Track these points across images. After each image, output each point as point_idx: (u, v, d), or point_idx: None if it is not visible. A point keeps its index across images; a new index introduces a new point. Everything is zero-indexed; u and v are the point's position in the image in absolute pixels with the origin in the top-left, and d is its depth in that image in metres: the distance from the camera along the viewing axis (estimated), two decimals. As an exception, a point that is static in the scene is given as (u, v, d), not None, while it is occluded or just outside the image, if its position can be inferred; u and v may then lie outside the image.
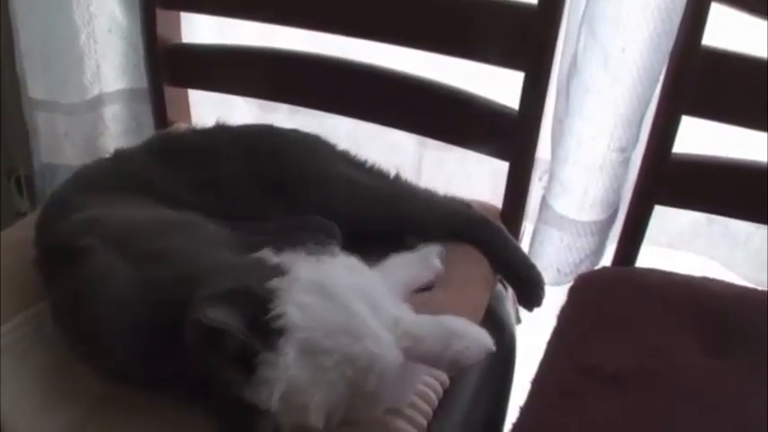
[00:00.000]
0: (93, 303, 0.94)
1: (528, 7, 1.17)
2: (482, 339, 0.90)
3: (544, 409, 1.02)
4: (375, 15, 1.30)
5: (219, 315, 0.78)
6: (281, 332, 0.80)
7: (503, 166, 1.29)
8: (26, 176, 1.88)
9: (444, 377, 1.03)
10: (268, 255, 0.91)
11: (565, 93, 1.23)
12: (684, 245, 1.41)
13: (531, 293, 1.22)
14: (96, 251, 0.96)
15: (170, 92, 1.52)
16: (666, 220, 1.36)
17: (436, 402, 1.01)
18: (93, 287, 0.94)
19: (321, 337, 0.81)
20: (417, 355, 0.88)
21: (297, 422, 0.80)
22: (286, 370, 0.79)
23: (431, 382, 1.01)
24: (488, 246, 1.22)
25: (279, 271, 0.86)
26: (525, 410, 1.03)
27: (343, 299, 0.85)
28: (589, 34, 1.17)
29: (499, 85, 1.27)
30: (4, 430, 0.94)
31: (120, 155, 1.20)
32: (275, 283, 0.84)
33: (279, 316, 0.81)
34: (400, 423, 0.95)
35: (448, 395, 1.03)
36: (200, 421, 0.86)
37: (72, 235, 1.00)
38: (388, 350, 0.84)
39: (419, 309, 1.08)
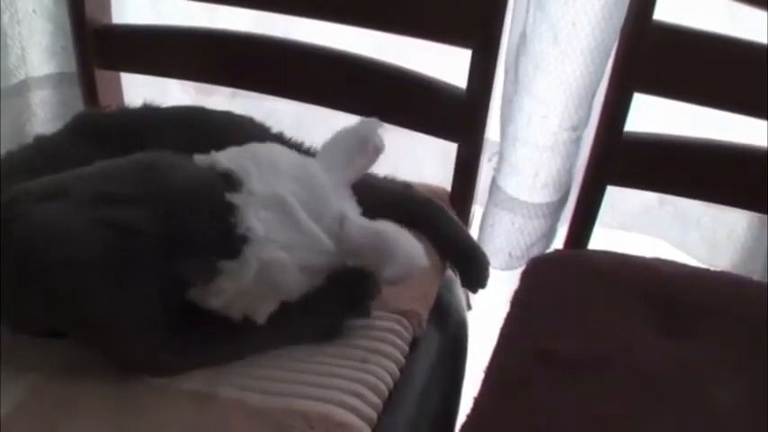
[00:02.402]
0: (60, 267, 0.87)
1: (474, -19, 1.13)
2: (416, 256, 0.96)
3: (499, 399, 0.99)
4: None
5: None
6: (243, 243, 0.88)
7: (451, 148, 1.25)
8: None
9: (395, 368, 0.99)
10: (218, 160, 0.96)
11: (513, 70, 1.19)
12: (635, 226, 1.39)
13: (475, 274, 1.19)
14: (35, 211, 0.89)
15: (101, 75, 1.45)
16: (617, 202, 1.34)
17: (387, 394, 0.97)
18: (56, 247, 0.87)
19: (279, 250, 0.90)
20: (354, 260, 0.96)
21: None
22: (248, 279, 0.88)
23: (381, 374, 0.97)
24: (431, 226, 1.19)
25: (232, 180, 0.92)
26: (479, 401, 0.99)
27: (296, 213, 0.92)
28: (538, 8, 1.14)
29: (445, 65, 1.24)
30: None
31: (42, 140, 1.14)
32: (235, 198, 0.90)
33: (245, 229, 0.89)
34: (349, 416, 0.91)
35: (399, 387, 1.00)
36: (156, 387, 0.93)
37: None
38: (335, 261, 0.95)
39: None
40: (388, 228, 0.94)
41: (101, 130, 1.13)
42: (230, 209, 0.89)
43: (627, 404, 0.96)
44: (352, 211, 0.99)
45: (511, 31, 1.19)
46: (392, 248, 0.93)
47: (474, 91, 1.18)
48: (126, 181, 0.93)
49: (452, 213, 1.23)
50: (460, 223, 1.23)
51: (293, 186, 0.94)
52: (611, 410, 0.96)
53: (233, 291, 0.90)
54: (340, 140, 1.04)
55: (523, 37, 1.16)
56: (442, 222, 1.20)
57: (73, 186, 0.92)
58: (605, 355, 1.02)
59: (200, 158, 0.97)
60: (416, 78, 1.24)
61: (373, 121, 1.05)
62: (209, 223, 0.89)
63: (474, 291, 1.22)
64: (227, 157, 0.96)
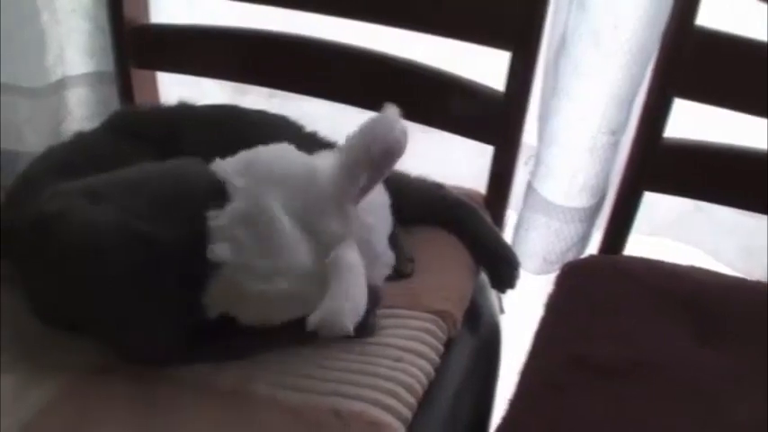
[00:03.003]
0: (95, 266, 0.90)
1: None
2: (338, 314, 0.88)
3: (533, 402, 0.98)
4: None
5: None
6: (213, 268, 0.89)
7: (486, 151, 1.25)
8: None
9: (430, 368, 0.99)
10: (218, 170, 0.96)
11: (553, 72, 1.18)
12: (670, 233, 1.38)
13: (505, 275, 1.18)
14: (76, 208, 0.92)
15: (137, 75, 1.46)
16: (652, 208, 1.32)
17: (421, 394, 0.96)
18: (90, 243, 0.90)
19: (243, 273, 0.89)
20: None
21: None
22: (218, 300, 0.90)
23: (416, 374, 0.97)
24: (462, 226, 1.19)
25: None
26: (514, 403, 0.99)
27: (270, 228, 0.89)
28: (579, 10, 1.13)
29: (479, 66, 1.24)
30: None
31: (81, 136, 1.16)
32: (212, 219, 0.90)
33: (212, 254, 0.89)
34: (385, 415, 0.91)
35: (433, 387, 0.99)
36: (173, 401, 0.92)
37: (41, 205, 0.95)
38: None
39: (400, 299, 1.05)
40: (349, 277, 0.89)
41: (137, 128, 1.15)
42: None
43: (660, 410, 0.96)
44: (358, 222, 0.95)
45: (550, 33, 1.18)
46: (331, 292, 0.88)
47: (512, 93, 1.18)
48: (147, 193, 0.95)
49: (485, 215, 1.22)
50: (492, 224, 1.22)
51: (287, 197, 0.92)
52: (644, 416, 0.95)
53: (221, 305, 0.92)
54: (354, 143, 0.93)
55: (563, 39, 1.15)
56: (472, 222, 1.20)
57: (107, 192, 0.95)
58: (639, 361, 1.02)
59: (215, 165, 0.98)
60: (454, 80, 1.24)
61: (388, 116, 0.93)
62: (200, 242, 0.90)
63: (503, 291, 1.21)
64: (230, 165, 0.96)
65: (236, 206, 0.90)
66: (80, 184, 0.97)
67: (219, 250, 0.89)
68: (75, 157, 1.10)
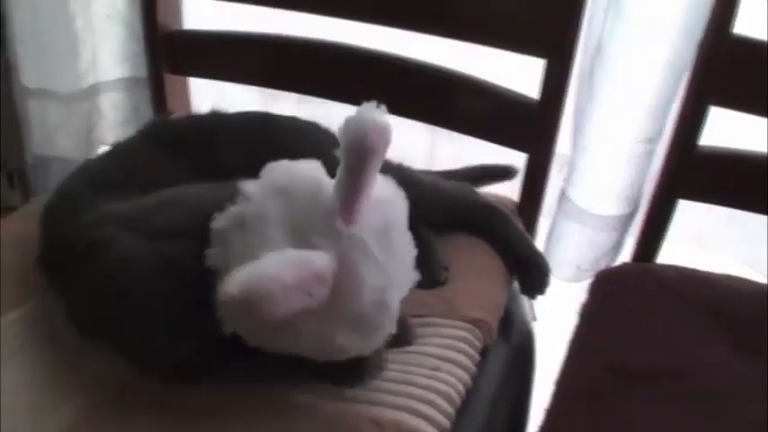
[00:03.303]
0: (127, 293, 0.91)
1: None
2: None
3: (571, 410, 0.98)
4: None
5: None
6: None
7: (519, 158, 1.25)
8: (18, 169, 1.82)
9: (466, 377, 0.99)
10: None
11: (588, 80, 1.18)
12: (704, 241, 1.37)
13: (535, 280, 1.18)
14: (118, 240, 0.93)
15: (170, 80, 1.47)
16: (685, 216, 1.32)
17: (459, 403, 0.96)
18: (125, 276, 0.91)
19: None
20: None
21: None
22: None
23: (453, 383, 0.97)
24: (493, 231, 1.19)
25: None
26: (551, 411, 0.99)
27: (259, 235, 0.84)
28: (615, 18, 1.12)
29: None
30: None
31: (119, 147, 1.16)
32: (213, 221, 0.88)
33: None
34: (423, 424, 0.91)
35: (469, 395, 0.99)
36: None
37: (87, 228, 0.96)
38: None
39: (435, 307, 1.05)
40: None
41: (172, 137, 1.15)
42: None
43: (697, 418, 0.95)
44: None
45: (585, 41, 1.18)
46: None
47: (547, 101, 1.17)
48: (180, 216, 0.95)
49: (517, 221, 1.23)
50: (523, 230, 1.22)
51: (289, 208, 0.86)
52: (683, 424, 0.95)
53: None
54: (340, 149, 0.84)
55: (599, 47, 1.15)
56: (504, 228, 1.20)
57: (144, 219, 0.96)
58: (676, 369, 1.02)
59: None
60: (488, 87, 1.24)
61: (359, 116, 0.83)
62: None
63: (533, 297, 1.21)
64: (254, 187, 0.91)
65: (234, 209, 0.88)
66: (120, 210, 0.98)
67: (213, 255, 0.87)
68: (113, 170, 1.11)
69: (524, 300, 1.24)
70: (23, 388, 0.95)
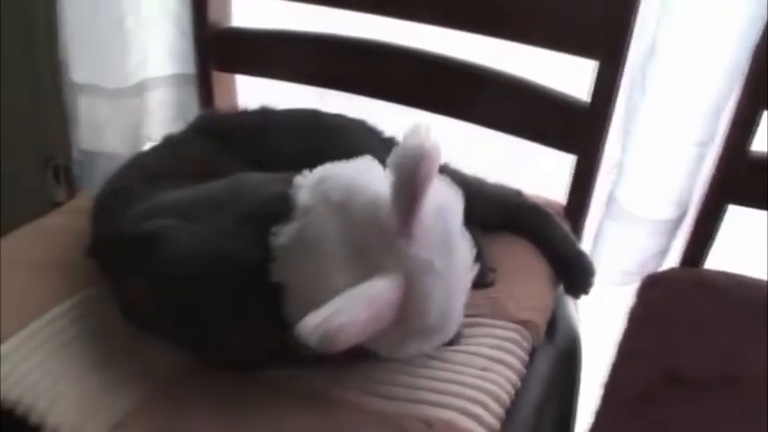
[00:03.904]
0: (185, 285, 0.93)
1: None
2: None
3: (622, 416, 0.98)
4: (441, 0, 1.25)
5: None
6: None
7: (561, 160, 1.25)
8: (64, 165, 1.84)
9: (515, 378, 0.98)
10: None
11: (640, 82, 1.17)
12: (753, 247, 1.35)
13: (579, 279, 1.18)
14: (174, 231, 0.94)
15: (217, 78, 1.48)
16: (734, 221, 1.30)
17: (508, 404, 0.96)
18: (183, 268, 0.93)
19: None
20: None
21: None
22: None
23: (502, 384, 0.97)
24: (538, 231, 1.20)
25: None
26: (601, 416, 0.98)
27: (318, 253, 0.87)
28: (668, 20, 1.11)
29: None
30: (47, 429, 0.91)
31: (170, 139, 1.18)
32: (275, 236, 0.89)
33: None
34: (473, 425, 0.91)
35: (517, 397, 0.99)
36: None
37: (142, 220, 0.97)
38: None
39: (484, 307, 1.05)
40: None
41: (223, 131, 1.16)
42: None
43: (752, 424, 0.94)
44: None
45: (638, 43, 1.16)
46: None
47: (598, 103, 1.17)
48: (233, 210, 0.96)
49: (561, 222, 1.22)
50: (567, 230, 1.22)
51: (346, 223, 0.87)
52: (736, 430, 0.94)
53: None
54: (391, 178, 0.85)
55: (652, 49, 1.14)
56: (548, 228, 1.20)
57: (197, 211, 0.97)
58: (729, 375, 1.01)
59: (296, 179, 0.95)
60: (538, 89, 1.23)
61: (413, 142, 0.82)
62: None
63: (576, 297, 1.20)
64: (307, 179, 0.94)
65: (294, 226, 0.89)
66: (174, 202, 0.99)
67: (278, 270, 0.89)
68: (165, 162, 1.12)
69: (571, 303, 1.23)
70: (76, 379, 0.96)
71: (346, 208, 0.88)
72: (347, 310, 0.78)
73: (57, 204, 1.85)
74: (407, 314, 0.84)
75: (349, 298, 0.80)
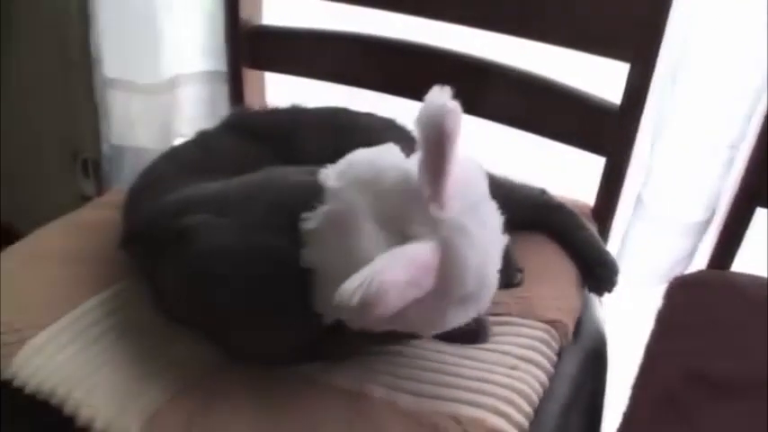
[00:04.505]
0: (221, 279, 0.93)
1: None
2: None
3: (652, 417, 0.98)
4: (474, 1, 1.26)
5: None
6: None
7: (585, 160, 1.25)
8: (93, 159, 1.86)
9: (544, 378, 0.99)
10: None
11: (670, 84, 1.17)
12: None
13: (603, 276, 1.18)
14: (210, 226, 0.95)
15: (248, 75, 1.49)
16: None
17: (536, 403, 0.97)
18: (219, 262, 0.93)
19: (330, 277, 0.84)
20: None
21: None
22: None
23: (531, 383, 0.98)
24: (562, 229, 1.20)
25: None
26: (630, 418, 0.98)
27: (353, 231, 0.86)
28: (699, 23, 1.11)
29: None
30: (80, 420, 0.92)
31: (203, 136, 1.19)
32: (304, 222, 0.89)
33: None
34: (503, 423, 0.92)
35: (544, 396, 0.99)
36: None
37: (177, 214, 0.98)
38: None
39: (513, 306, 1.06)
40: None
41: (255, 128, 1.17)
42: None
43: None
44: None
45: (669, 44, 1.17)
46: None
47: (628, 105, 1.17)
48: (266, 203, 0.96)
49: (586, 221, 1.23)
50: (592, 229, 1.22)
51: (377, 200, 0.87)
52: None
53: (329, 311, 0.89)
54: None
55: (683, 51, 1.14)
56: (572, 226, 1.21)
57: (231, 204, 0.97)
58: (757, 378, 1.01)
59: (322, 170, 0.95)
60: (568, 91, 1.24)
61: (433, 100, 0.84)
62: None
63: (600, 294, 1.21)
64: (333, 169, 0.93)
65: (325, 208, 0.89)
66: (207, 196, 1.00)
67: (309, 255, 0.88)
68: (199, 158, 1.13)
69: (598, 304, 1.24)
70: (110, 371, 0.97)
71: (375, 185, 0.88)
72: (388, 269, 0.78)
73: (85, 198, 1.88)
74: (445, 281, 0.83)
75: (388, 258, 0.80)
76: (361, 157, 0.93)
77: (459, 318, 0.89)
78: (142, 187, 1.10)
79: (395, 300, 0.77)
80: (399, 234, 0.84)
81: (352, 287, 0.76)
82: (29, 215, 1.90)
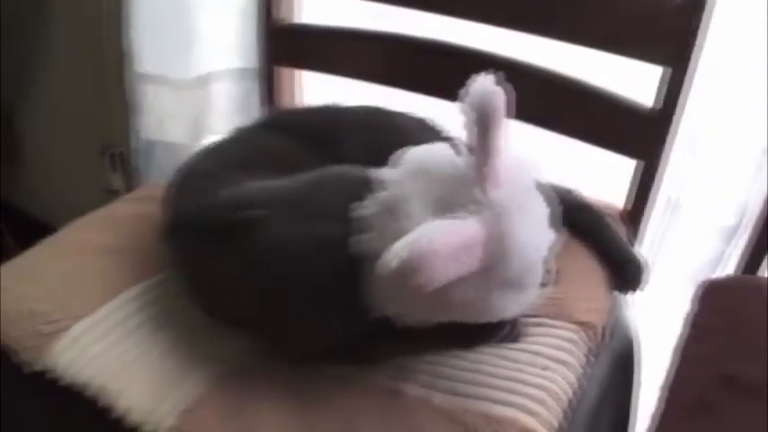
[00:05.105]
0: (282, 275, 0.94)
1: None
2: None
3: (684, 419, 0.98)
4: (510, 2, 1.26)
5: None
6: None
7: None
8: (122, 153, 1.87)
9: (574, 379, 0.99)
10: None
11: (707, 87, 1.17)
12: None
13: (630, 274, 1.18)
14: (269, 222, 0.95)
15: (280, 73, 1.50)
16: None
17: (567, 404, 0.97)
18: (280, 258, 0.94)
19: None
20: None
21: None
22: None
23: (561, 383, 0.98)
24: (589, 229, 1.20)
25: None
26: (661, 419, 0.98)
27: (405, 216, 0.87)
28: (738, 26, 1.11)
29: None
30: (116, 411, 0.93)
31: (243, 132, 1.19)
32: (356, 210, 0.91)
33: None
34: (535, 423, 0.92)
35: (574, 397, 1.00)
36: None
37: (229, 209, 0.98)
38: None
39: (544, 307, 1.06)
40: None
41: (294, 127, 1.18)
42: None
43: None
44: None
45: (707, 48, 1.16)
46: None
47: (665, 109, 1.17)
48: (320, 199, 0.97)
49: (611, 221, 1.23)
50: (617, 229, 1.22)
51: (428, 186, 0.89)
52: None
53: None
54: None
55: (722, 54, 1.14)
56: (599, 226, 1.21)
57: (285, 200, 0.98)
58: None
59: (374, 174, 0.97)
60: (604, 94, 1.24)
61: (479, 81, 0.89)
62: None
63: (625, 292, 1.20)
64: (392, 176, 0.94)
65: (378, 195, 0.91)
66: (264, 192, 1.00)
67: (361, 242, 0.90)
68: (243, 154, 1.13)
69: (628, 306, 1.24)
70: (147, 363, 0.99)
71: (426, 173, 0.91)
72: (430, 237, 0.80)
73: (111, 192, 1.89)
74: (488, 259, 0.84)
75: (432, 227, 0.82)
76: (414, 152, 0.96)
77: (503, 306, 0.90)
78: (186, 181, 1.10)
79: (436, 269, 0.79)
80: (449, 215, 0.86)
81: (393, 252, 0.78)
82: (54, 207, 1.93)
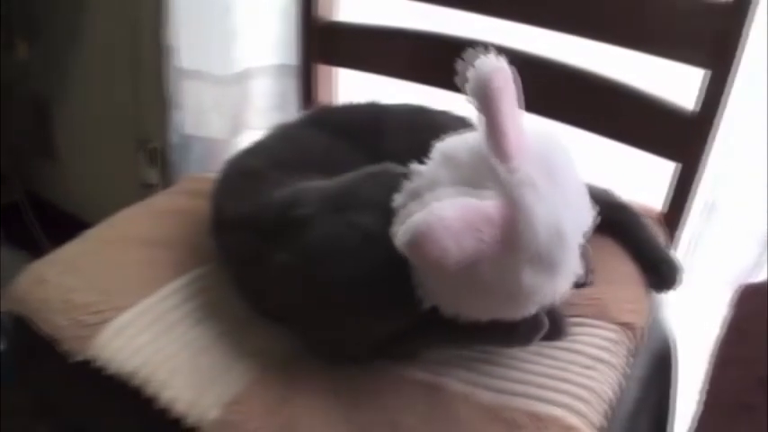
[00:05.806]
0: (340, 273, 0.94)
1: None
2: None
3: (724, 422, 0.98)
4: (550, 3, 1.26)
5: None
6: None
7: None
8: (158, 148, 1.88)
9: (618, 378, 1.00)
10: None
11: (747, 89, 1.17)
12: None
13: (665, 273, 1.17)
14: (318, 219, 0.96)
15: (319, 70, 1.51)
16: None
17: (611, 403, 0.97)
18: (338, 256, 0.94)
19: None
20: None
21: None
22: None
23: (605, 383, 0.98)
24: (624, 228, 1.20)
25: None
26: (701, 422, 0.99)
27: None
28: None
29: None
30: (161, 402, 0.94)
31: (287, 129, 1.20)
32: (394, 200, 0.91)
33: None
34: (579, 421, 0.93)
35: (615, 397, 1.00)
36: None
37: (285, 207, 0.99)
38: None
39: (587, 308, 1.06)
40: None
41: (337, 125, 1.19)
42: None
43: None
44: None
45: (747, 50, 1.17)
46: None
47: (705, 112, 1.17)
48: (370, 198, 0.97)
49: (646, 221, 1.23)
50: (653, 230, 1.23)
51: (454, 171, 0.89)
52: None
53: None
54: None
55: (759, 58, 1.14)
56: (636, 227, 1.21)
57: (338, 198, 0.99)
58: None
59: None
60: (644, 96, 1.24)
61: (482, 62, 0.88)
62: None
63: (659, 291, 1.19)
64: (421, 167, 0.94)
65: (409, 184, 0.91)
66: (319, 191, 1.01)
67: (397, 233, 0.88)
68: (288, 151, 1.14)
69: (666, 307, 1.24)
70: (190, 355, 1.00)
71: (453, 158, 0.90)
72: (440, 211, 0.80)
73: (146, 186, 1.91)
74: (513, 233, 0.83)
75: (444, 202, 0.82)
76: (442, 142, 0.95)
77: (539, 284, 0.87)
78: (235, 179, 1.11)
79: (446, 241, 0.78)
80: (474, 196, 0.85)
81: (404, 228, 0.79)
82: (88, 203, 1.95)
